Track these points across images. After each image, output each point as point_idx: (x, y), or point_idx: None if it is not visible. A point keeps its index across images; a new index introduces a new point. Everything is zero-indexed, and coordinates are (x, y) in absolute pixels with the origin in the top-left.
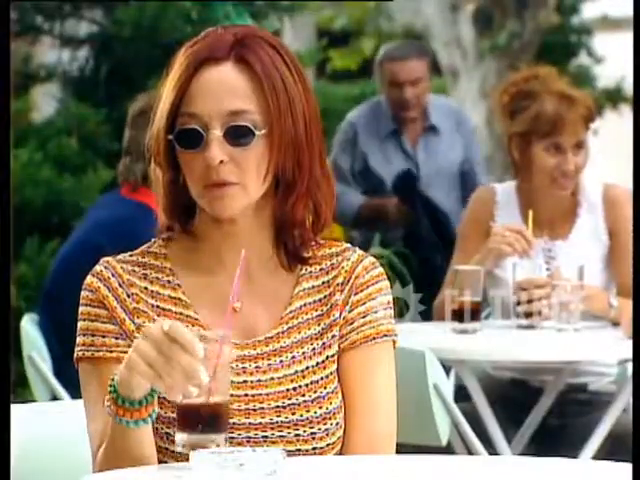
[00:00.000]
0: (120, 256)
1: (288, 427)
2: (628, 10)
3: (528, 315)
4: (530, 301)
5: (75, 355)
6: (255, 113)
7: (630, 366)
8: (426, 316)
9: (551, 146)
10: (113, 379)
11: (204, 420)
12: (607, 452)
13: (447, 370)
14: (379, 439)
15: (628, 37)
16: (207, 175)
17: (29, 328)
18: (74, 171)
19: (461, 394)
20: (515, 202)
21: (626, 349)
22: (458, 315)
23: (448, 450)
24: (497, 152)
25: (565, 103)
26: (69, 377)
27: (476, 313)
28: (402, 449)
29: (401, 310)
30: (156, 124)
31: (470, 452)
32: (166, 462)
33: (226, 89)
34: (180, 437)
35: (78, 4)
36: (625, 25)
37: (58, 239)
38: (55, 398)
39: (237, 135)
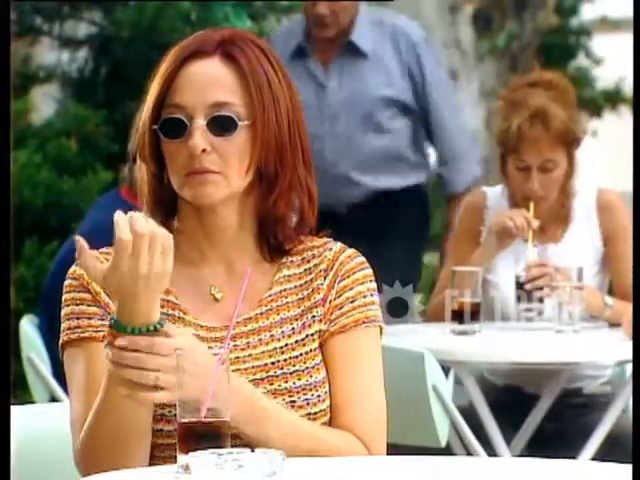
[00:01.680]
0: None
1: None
2: (627, 11)
3: (535, 290)
4: (533, 279)
5: (60, 342)
6: (239, 106)
7: (628, 367)
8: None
9: (518, 163)
10: (112, 318)
11: (205, 441)
12: (604, 454)
13: (446, 371)
14: (368, 423)
15: (627, 38)
16: (189, 164)
17: (28, 329)
18: (73, 172)
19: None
20: (506, 207)
21: (626, 350)
22: (458, 316)
23: (447, 451)
24: (495, 154)
25: (536, 120)
26: None
27: (475, 314)
28: (401, 450)
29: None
30: (142, 117)
31: (469, 453)
32: (160, 444)
33: (211, 81)
34: (182, 459)
35: (77, 5)
36: (624, 26)
37: (57, 241)
38: (54, 399)
39: (220, 125)
